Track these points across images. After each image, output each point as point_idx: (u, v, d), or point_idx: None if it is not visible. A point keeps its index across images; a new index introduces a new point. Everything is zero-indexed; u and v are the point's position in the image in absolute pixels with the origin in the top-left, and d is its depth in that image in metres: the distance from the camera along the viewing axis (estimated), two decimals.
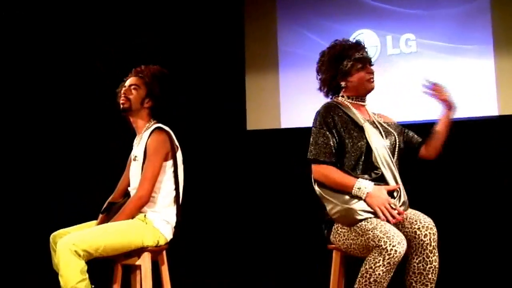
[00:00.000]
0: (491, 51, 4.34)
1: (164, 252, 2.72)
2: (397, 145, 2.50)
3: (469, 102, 4.36)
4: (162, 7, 5.08)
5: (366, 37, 4.69)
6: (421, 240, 2.25)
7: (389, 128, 2.55)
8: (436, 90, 2.55)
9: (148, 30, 5.00)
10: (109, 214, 2.68)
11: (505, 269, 3.74)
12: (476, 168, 4.32)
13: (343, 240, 2.38)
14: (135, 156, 2.75)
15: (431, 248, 2.25)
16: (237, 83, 5.07)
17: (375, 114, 2.61)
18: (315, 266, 3.36)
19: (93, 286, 2.39)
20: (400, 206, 2.33)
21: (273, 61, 5.02)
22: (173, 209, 2.70)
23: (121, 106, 2.75)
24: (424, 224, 2.27)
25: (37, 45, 4.87)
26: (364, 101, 2.56)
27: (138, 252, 2.57)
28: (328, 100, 2.59)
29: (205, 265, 4.33)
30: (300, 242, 4.35)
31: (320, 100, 2.61)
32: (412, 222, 2.30)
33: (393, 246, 2.12)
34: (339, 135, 2.41)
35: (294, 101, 4.83)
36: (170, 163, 2.69)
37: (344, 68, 2.48)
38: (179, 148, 2.77)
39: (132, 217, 2.61)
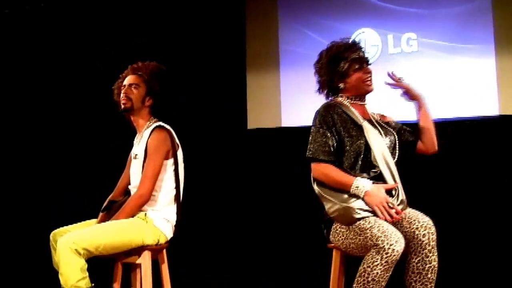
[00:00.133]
0: (492, 51, 4.34)
1: (164, 251, 2.72)
2: (396, 144, 2.50)
3: (470, 101, 4.36)
4: (162, 7, 5.07)
5: (367, 36, 4.69)
6: (420, 240, 2.25)
7: (389, 127, 2.55)
8: (396, 81, 2.57)
9: (148, 30, 5.00)
10: (110, 212, 2.68)
11: (505, 269, 3.74)
12: (476, 167, 4.31)
13: (342, 239, 2.38)
14: (136, 154, 2.75)
15: (430, 247, 2.25)
16: (238, 82, 5.06)
17: (374, 113, 2.62)
18: (315, 265, 3.36)
19: (93, 285, 2.39)
20: (398, 205, 2.33)
21: (274, 59, 5.02)
22: (173, 208, 2.70)
23: (123, 106, 2.74)
24: (423, 224, 2.27)
25: (37, 45, 4.87)
26: (363, 101, 2.56)
27: (138, 250, 2.57)
28: (323, 101, 2.59)
29: (205, 264, 4.33)
30: (301, 241, 4.35)
31: (321, 98, 2.62)
32: (411, 221, 2.30)
33: (390, 245, 2.12)
34: (338, 134, 2.41)
35: (295, 99, 4.83)
36: (171, 161, 2.69)
37: (341, 70, 2.49)
38: (179, 147, 2.76)
39: (133, 216, 2.60)
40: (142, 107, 2.76)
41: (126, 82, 2.78)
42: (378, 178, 2.37)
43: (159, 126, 2.72)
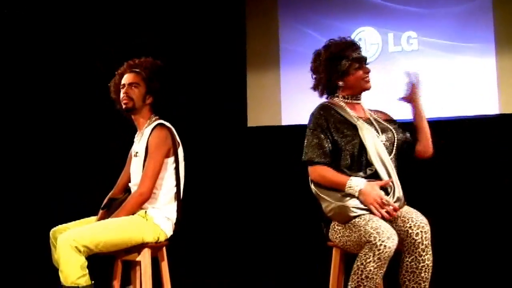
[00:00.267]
0: (492, 50, 4.34)
1: (164, 249, 2.72)
2: (395, 141, 2.50)
3: (470, 100, 4.37)
4: (162, 6, 5.07)
5: (368, 34, 4.70)
6: (413, 238, 2.25)
7: (386, 124, 2.55)
8: (415, 83, 2.56)
9: (148, 30, 4.99)
10: (110, 210, 2.68)
11: (505, 269, 3.74)
12: (476, 167, 4.31)
13: (339, 237, 2.39)
14: (136, 152, 2.75)
15: (423, 246, 2.25)
16: (238, 81, 5.07)
17: (371, 110, 2.62)
18: (315, 264, 3.36)
19: (93, 282, 2.39)
20: (394, 202, 2.33)
21: (274, 58, 5.02)
22: (173, 206, 2.70)
23: (125, 106, 2.74)
24: (416, 223, 2.27)
25: (37, 45, 4.87)
26: (359, 99, 2.57)
27: (138, 248, 2.57)
28: (323, 100, 2.60)
29: (205, 264, 4.33)
30: (301, 239, 4.35)
31: (321, 97, 2.62)
32: (405, 220, 2.30)
33: (382, 242, 2.13)
34: (332, 135, 2.43)
35: (295, 98, 4.83)
36: (171, 159, 2.69)
37: (342, 68, 2.50)
38: (180, 145, 2.76)
39: (133, 214, 2.60)
40: (143, 106, 2.76)
41: (125, 81, 2.76)
42: (374, 176, 2.38)
43: (160, 124, 2.72)
